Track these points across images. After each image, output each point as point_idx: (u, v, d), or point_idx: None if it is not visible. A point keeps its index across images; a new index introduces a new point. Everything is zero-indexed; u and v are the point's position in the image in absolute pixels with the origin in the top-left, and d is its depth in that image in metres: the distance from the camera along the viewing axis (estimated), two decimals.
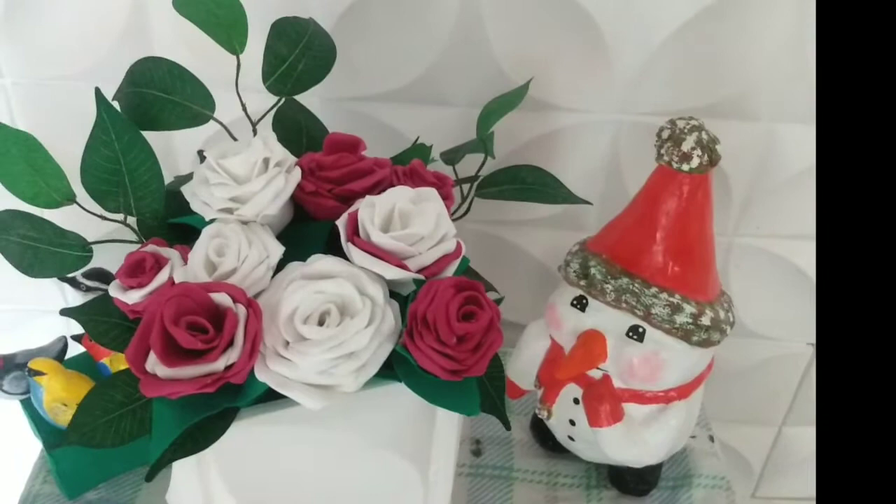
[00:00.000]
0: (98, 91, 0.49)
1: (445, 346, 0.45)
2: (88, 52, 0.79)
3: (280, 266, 0.50)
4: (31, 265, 0.52)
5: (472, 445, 0.82)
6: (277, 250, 0.49)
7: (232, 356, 0.43)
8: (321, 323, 0.47)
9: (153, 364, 0.43)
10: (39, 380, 0.72)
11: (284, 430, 0.50)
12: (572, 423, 0.74)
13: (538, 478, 0.80)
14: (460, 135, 0.75)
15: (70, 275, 0.69)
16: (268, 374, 0.46)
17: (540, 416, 0.76)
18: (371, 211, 0.48)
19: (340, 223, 0.49)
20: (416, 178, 0.54)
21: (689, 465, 0.81)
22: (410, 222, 0.49)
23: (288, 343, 0.46)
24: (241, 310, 0.44)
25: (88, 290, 0.77)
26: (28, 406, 0.75)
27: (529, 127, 0.82)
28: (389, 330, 0.47)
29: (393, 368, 0.48)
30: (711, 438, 0.85)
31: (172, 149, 0.84)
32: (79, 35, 0.78)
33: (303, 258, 0.49)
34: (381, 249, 0.48)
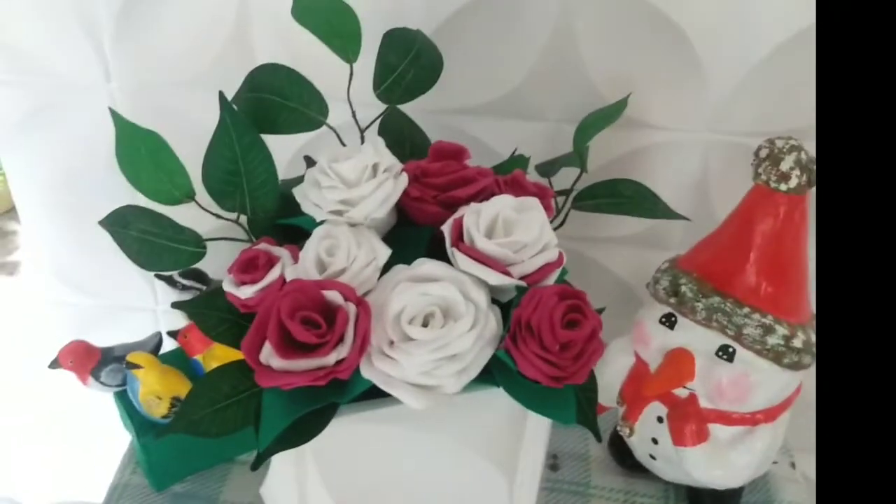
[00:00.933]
0: (222, 95, 0.52)
1: (548, 352, 0.46)
2: (193, 60, 0.81)
3: (384, 269, 0.51)
4: (149, 259, 0.54)
5: (549, 460, 0.82)
6: (385, 252, 0.50)
7: (342, 351, 0.45)
8: (425, 324, 0.48)
9: (268, 355, 0.45)
10: (136, 373, 0.74)
11: (381, 428, 0.52)
12: (655, 441, 0.73)
13: (615, 496, 0.79)
14: (550, 150, 0.75)
15: (166, 273, 0.72)
16: (373, 371, 0.47)
17: (621, 434, 0.75)
18: (476, 217, 0.49)
19: (446, 228, 0.50)
20: (517, 188, 0.55)
21: (770, 491, 0.80)
22: (514, 230, 0.50)
23: (393, 342, 0.47)
24: (352, 307, 0.46)
25: (185, 288, 0.79)
26: (122, 398, 0.78)
27: (619, 143, 0.82)
28: (491, 334, 0.48)
29: (491, 373, 0.49)
30: (793, 465, 0.83)
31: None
32: (184, 44, 0.81)
33: (405, 261, 0.51)
34: (486, 255, 0.49)
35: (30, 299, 1.10)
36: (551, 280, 0.51)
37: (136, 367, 0.75)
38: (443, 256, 0.51)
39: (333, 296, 0.46)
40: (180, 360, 0.78)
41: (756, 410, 0.69)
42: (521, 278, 0.49)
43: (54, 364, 0.77)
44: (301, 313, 0.44)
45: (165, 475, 0.79)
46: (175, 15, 0.79)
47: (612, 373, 0.76)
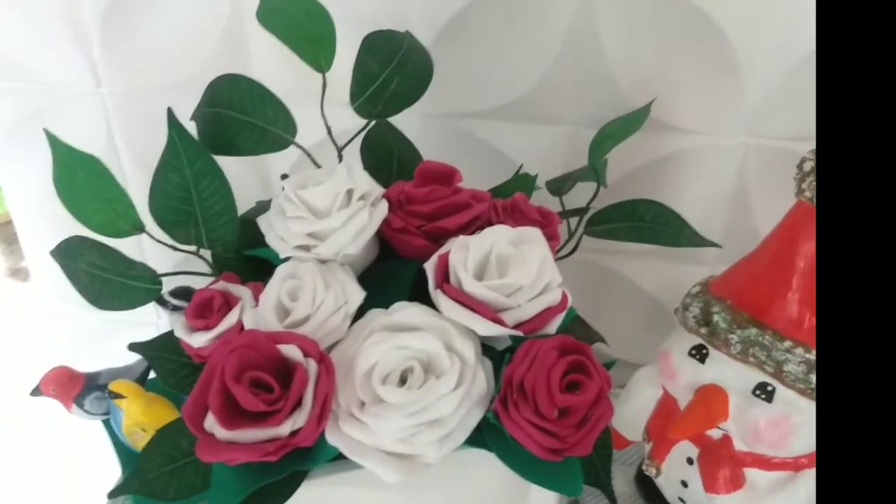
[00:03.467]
0: (170, 112, 0.45)
1: (545, 419, 0.39)
2: (186, 63, 0.77)
3: (360, 311, 0.45)
4: (100, 296, 0.48)
5: (571, 498, 0.75)
6: (357, 296, 0.44)
7: (299, 420, 0.38)
8: (403, 382, 0.41)
9: (212, 423, 0.38)
10: (119, 402, 0.70)
11: (358, 493, 0.45)
12: (684, 484, 0.66)
13: None
14: (569, 157, 0.70)
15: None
16: (340, 437, 0.41)
17: (647, 473, 0.68)
18: (464, 254, 0.43)
19: (429, 267, 0.44)
20: (517, 215, 0.49)
21: None
22: (509, 269, 0.43)
23: (364, 404, 0.41)
24: (312, 365, 0.39)
25: (175, 309, 0.74)
26: (109, 427, 0.73)
27: (646, 149, 0.75)
28: (480, 394, 0.41)
29: (482, 433, 0.42)
30: None
31: (267, 168, 0.80)
32: (177, 45, 0.76)
33: (387, 301, 0.44)
34: (474, 300, 0.42)
35: (36, 308, 1.07)
36: (553, 327, 0.44)
37: (119, 396, 0.71)
38: (430, 296, 0.44)
39: (291, 351, 0.39)
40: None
41: (799, 455, 0.61)
42: (517, 326, 0.43)
43: (36, 392, 0.74)
44: (250, 374, 0.38)
45: None
46: (164, 15, 0.75)
47: (636, 406, 0.69)
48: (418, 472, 0.41)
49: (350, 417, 0.41)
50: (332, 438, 0.40)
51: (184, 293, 0.74)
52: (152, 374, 0.75)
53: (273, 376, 0.38)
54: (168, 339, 0.49)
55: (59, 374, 0.72)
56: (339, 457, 0.43)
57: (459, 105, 0.75)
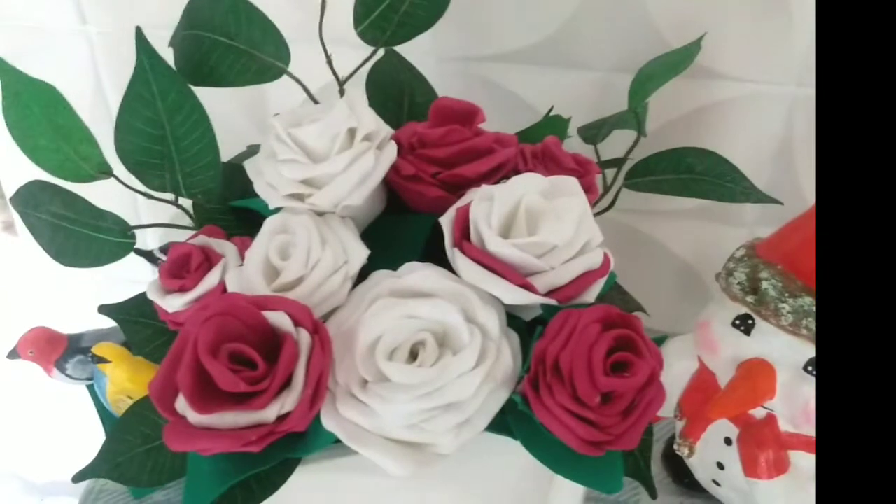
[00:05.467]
0: (139, 31, 0.39)
1: (585, 406, 0.33)
2: None
3: (363, 273, 0.39)
4: (65, 251, 0.43)
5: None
6: (360, 254, 0.38)
7: (288, 402, 0.32)
8: (413, 358, 0.35)
9: (185, 405, 0.32)
10: (103, 367, 0.66)
11: (361, 481, 0.40)
12: (720, 466, 0.62)
13: None
14: (599, 106, 0.64)
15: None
16: (337, 421, 0.35)
17: (679, 453, 0.64)
18: (488, 207, 0.36)
19: (445, 221, 0.38)
20: (549, 163, 0.42)
21: None
22: (541, 225, 0.37)
23: (366, 382, 0.35)
24: (305, 337, 0.33)
25: None
26: (94, 393, 0.68)
27: (685, 98, 0.71)
28: (505, 374, 0.35)
29: (504, 416, 0.36)
30: None
31: (266, 105, 0.74)
32: None
33: (394, 263, 0.38)
34: (500, 261, 0.36)
35: (25, 265, 1.03)
36: (592, 295, 0.38)
37: (103, 360, 0.67)
38: (446, 257, 0.38)
39: (278, 319, 0.33)
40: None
41: None
42: (549, 293, 0.36)
43: (13, 354, 0.70)
44: (229, 346, 0.32)
45: None
46: None
47: (668, 379, 0.64)
48: (430, 464, 0.35)
49: (350, 398, 0.35)
50: (328, 423, 0.35)
51: None
52: None
53: (257, 350, 0.32)
54: (143, 301, 0.43)
55: (37, 334, 0.67)
56: (338, 440, 0.37)
57: (479, 47, 0.70)
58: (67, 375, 0.69)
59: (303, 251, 0.36)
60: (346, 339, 0.35)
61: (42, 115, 0.38)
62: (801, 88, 0.69)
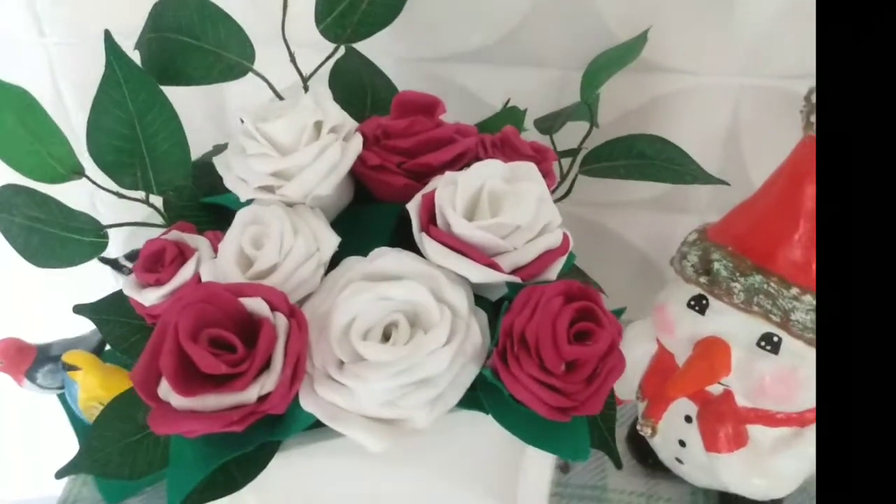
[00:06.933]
0: (108, 34, 0.39)
1: (551, 374, 0.34)
2: (136, 4, 0.71)
3: (334, 261, 0.40)
4: (39, 253, 0.43)
5: (559, 460, 0.72)
6: (331, 242, 0.39)
7: (268, 384, 0.33)
8: (386, 338, 0.37)
9: (167, 390, 0.33)
10: (74, 375, 0.66)
11: (339, 463, 0.41)
12: (682, 444, 0.63)
13: (637, 500, 0.70)
14: (553, 103, 0.66)
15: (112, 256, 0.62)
16: (316, 402, 0.36)
17: (642, 433, 0.65)
18: (452, 192, 0.38)
19: (412, 207, 0.39)
20: (508, 150, 0.44)
21: (813, 494, 0.69)
22: (503, 207, 0.38)
23: (342, 364, 0.36)
24: (282, 320, 0.34)
25: (131, 272, 0.70)
26: (65, 401, 0.69)
27: (634, 91, 0.72)
28: (475, 349, 0.37)
29: (475, 392, 0.38)
30: None
31: (225, 107, 0.75)
32: None
33: (363, 251, 0.40)
34: (465, 243, 0.37)
35: None
36: (553, 272, 0.39)
37: (74, 368, 0.67)
38: (413, 243, 0.39)
39: (255, 304, 0.34)
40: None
41: (806, 409, 0.58)
42: (514, 272, 0.38)
43: None
44: (209, 332, 0.33)
45: (120, 488, 0.70)
46: None
47: (629, 363, 0.65)
48: (406, 438, 0.36)
49: (327, 379, 0.36)
50: (306, 404, 0.36)
51: None
52: None
53: (236, 334, 0.33)
54: (117, 299, 0.44)
55: (7, 345, 0.68)
56: (315, 425, 0.38)
57: (436, 48, 0.71)
58: (38, 385, 0.69)
59: (276, 240, 0.37)
60: (320, 324, 0.36)
61: (16, 119, 0.39)
62: (746, 78, 0.70)
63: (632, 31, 0.64)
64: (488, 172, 0.39)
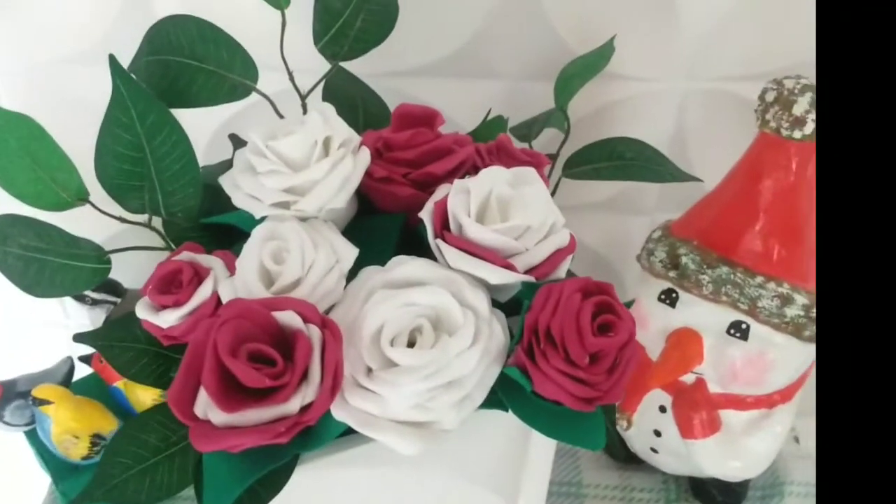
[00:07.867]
0: (113, 58, 0.39)
1: (577, 367, 0.36)
2: (87, 29, 0.68)
3: (349, 275, 0.40)
4: (37, 282, 0.42)
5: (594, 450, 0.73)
6: (350, 253, 0.39)
7: (308, 394, 0.33)
8: (412, 343, 0.37)
9: (205, 407, 0.33)
10: (46, 409, 0.64)
11: (353, 472, 0.41)
12: (657, 433, 0.65)
13: (611, 493, 0.72)
14: (511, 112, 0.66)
15: None
16: (347, 411, 0.36)
17: (618, 428, 0.67)
18: (465, 198, 0.39)
19: (426, 215, 0.40)
20: (504, 157, 0.45)
21: (778, 473, 0.73)
22: (511, 211, 0.39)
23: (371, 370, 0.37)
24: (315, 332, 0.35)
25: (95, 303, 0.69)
26: (34, 438, 0.67)
27: (588, 99, 0.72)
28: (498, 349, 0.38)
29: (495, 393, 0.39)
30: (797, 440, 0.76)
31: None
32: (74, 10, 0.68)
33: (371, 261, 0.40)
34: (481, 246, 0.38)
35: None
36: (562, 271, 0.41)
37: (45, 402, 0.65)
38: (416, 251, 0.40)
39: (288, 318, 0.34)
40: (97, 388, 0.67)
41: (773, 391, 0.61)
42: (528, 271, 0.39)
43: None
44: (247, 347, 0.33)
45: None
46: None
47: None
48: (436, 440, 0.37)
49: (357, 387, 0.36)
50: (338, 413, 0.36)
51: (104, 287, 0.68)
52: (77, 376, 0.69)
53: (273, 348, 0.33)
54: (118, 325, 0.43)
55: None
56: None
57: (389, 63, 0.69)
58: (5, 423, 0.66)
59: (297, 254, 0.37)
60: (347, 333, 0.37)
61: (19, 147, 0.38)
62: (691, 82, 0.72)
63: (584, 39, 0.65)
64: (495, 178, 0.40)
